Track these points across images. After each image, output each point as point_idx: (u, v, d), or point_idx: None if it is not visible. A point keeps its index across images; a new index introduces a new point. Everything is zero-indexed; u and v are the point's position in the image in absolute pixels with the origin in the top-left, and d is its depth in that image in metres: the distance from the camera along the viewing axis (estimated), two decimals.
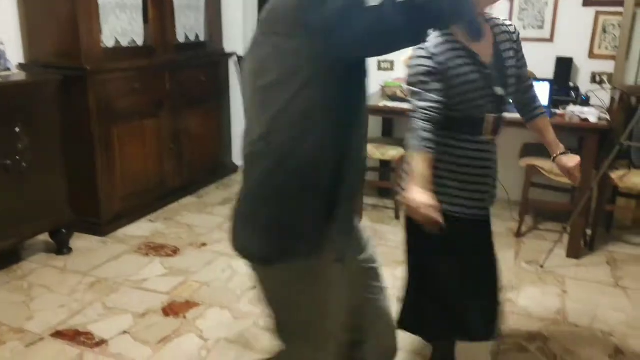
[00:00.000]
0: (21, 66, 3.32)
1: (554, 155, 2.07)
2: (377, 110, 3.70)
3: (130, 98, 3.56)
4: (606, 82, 3.74)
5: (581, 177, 3.20)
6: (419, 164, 1.73)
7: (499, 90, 1.85)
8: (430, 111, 1.75)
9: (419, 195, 1.69)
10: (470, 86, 1.79)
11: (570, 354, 2.42)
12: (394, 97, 3.67)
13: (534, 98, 2.07)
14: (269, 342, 2.43)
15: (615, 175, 3.33)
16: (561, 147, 2.06)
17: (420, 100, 1.77)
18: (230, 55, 4.67)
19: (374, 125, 4.24)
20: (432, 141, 1.75)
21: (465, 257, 1.92)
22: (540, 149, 3.65)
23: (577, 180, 2.08)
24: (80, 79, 3.23)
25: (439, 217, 1.67)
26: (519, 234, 3.66)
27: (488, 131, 1.88)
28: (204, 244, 3.44)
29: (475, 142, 1.87)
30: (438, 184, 1.82)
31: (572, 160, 2.03)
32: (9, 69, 3.08)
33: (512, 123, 3.24)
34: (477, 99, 1.82)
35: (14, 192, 2.88)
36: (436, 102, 1.76)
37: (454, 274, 1.92)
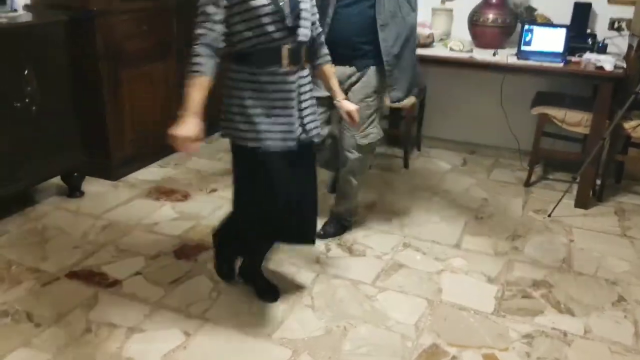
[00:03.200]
0: (27, 7, 3.27)
1: (337, 100, 2.30)
2: None
3: (138, 40, 3.51)
4: (624, 28, 3.64)
5: (593, 126, 3.21)
6: (189, 88, 1.92)
7: (290, 21, 1.93)
8: (208, 36, 1.90)
9: (181, 129, 1.89)
10: (261, 11, 1.88)
11: (573, 301, 2.46)
12: None
13: (322, 45, 2.21)
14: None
15: (628, 125, 3.29)
16: (342, 95, 2.33)
17: (199, 28, 1.90)
18: None
19: None
20: (205, 65, 1.91)
21: (273, 183, 2.07)
22: (553, 98, 3.60)
23: (356, 124, 2.39)
24: (87, 20, 3.18)
25: (196, 148, 1.95)
26: (528, 184, 3.65)
27: (286, 62, 1.98)
28: (213, 190, 3.47)
29: (274, 74, 1.99)
30: (246, 121, 2.01)
31: (352, 105, 2.32)
32: (15, 10, 3.04)
33: (524, 70, 3.21)
34: (270, 30, 1.92)
35: (25, 135, 2.90)
36: (216, 29, 1.90)
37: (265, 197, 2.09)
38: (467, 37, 3.72)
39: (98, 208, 3.17)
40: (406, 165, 3.92)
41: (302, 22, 1.97)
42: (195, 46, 1.90)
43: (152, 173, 3.68)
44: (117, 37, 3.35)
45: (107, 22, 3.27)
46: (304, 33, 1.99)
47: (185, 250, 2.76)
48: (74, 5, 3.18)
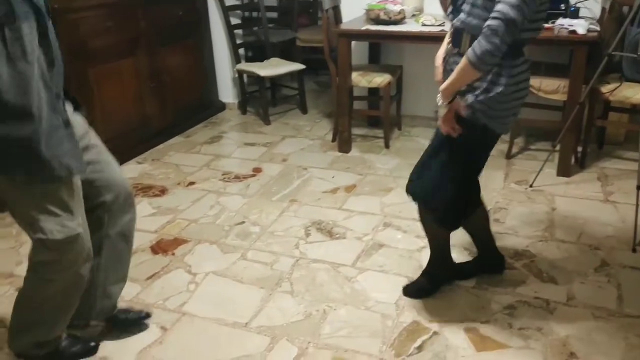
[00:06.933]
0: None
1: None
2: (361, 35, 3.58)
3: (104, 37, 3.44)
4: None
5: (570, 92, 3.12)
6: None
7: None
8: None
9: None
10: None
11: (555, 269, 2.43)
12: (377, 20, 3.53)
13: None
14: (256, 274, 2.45)
15: (606, 89, 3.24)
16: None
17: None
18: None
19: (360, 51, 4.12)
20: None
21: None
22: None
23: None
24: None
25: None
26: (509, 155, 3.61)
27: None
28: (191, 183, 3.42)
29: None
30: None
31: None
32: None
33: None
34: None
35: None
36: None
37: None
38: (441, 12, 3.64)
39: None
40: (387, 145, 3.88)
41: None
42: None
43: (129, 170, 3.62)
44: (81, 35, 3.29)
45: (70, 20, 3.20)
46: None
47: (162, 245, 2.72)
48: None
